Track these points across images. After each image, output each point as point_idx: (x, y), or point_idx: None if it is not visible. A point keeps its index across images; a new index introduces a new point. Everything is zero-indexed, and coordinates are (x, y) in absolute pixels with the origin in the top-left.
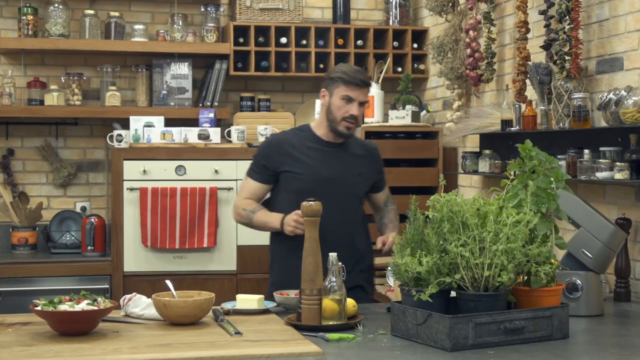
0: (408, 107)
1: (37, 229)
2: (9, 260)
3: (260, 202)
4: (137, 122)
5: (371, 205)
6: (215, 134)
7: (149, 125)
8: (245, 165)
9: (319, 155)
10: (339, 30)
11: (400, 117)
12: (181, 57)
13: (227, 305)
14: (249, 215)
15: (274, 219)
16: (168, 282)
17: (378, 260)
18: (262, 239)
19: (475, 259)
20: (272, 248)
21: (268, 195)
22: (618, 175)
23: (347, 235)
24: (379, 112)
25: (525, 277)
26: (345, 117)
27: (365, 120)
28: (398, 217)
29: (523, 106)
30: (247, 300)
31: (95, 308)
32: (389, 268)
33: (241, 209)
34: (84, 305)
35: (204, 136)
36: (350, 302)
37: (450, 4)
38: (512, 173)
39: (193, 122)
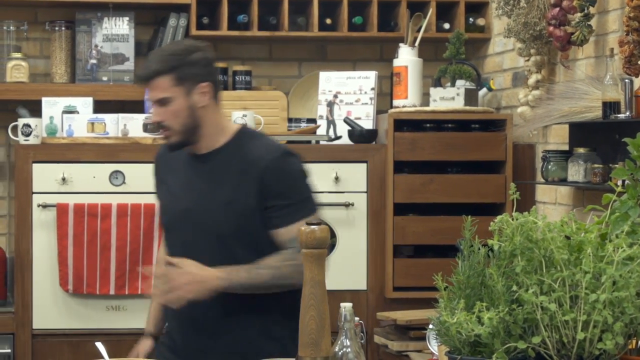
0: (460, 83)
1: None
2: None
3: None
4: (52, 107)
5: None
6: None
7: (70, 110)
8: None
9: (181, 176)
10: None
11: (448, 99)
12: (119, 8)
13: None
14: None
15: None
16: (99, 345)
17: (412, 315)
18: None
19: (565, 313)
20: None
21: None
22: None
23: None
24: (414, 90)
25: None
26: None
27: (394, 103)
28: (285, 265)
29: (636, 81)
30: None
31: None
32: (431, 326)
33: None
34: None
35: (152, 127)
36: None
37: None
38: (619, 183)
39: (137, 107)
